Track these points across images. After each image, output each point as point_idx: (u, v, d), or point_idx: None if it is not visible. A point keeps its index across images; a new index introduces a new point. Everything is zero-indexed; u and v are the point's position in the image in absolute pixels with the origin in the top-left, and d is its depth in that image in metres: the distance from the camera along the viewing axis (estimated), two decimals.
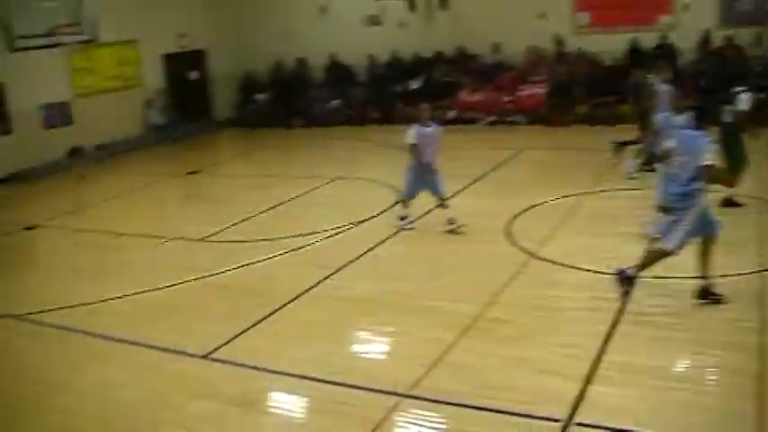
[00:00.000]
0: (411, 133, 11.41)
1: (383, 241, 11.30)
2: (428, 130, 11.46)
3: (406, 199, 11.87)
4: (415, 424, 6.37)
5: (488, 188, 13.73)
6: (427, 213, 12.11)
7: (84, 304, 10.15)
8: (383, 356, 7.98)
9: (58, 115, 21.51)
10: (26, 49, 20.38)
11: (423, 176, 11.49)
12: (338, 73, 23.89)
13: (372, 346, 8.21)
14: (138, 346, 8.58)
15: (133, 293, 10.29)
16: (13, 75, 20.01)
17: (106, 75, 22.89)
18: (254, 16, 25.47)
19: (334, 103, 23.14)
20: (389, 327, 8.39)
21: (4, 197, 18.27)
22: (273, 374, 7.50)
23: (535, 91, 20.06)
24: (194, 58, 25.53)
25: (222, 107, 26.04)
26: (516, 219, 11.69)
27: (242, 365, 7.74)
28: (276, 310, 9.05)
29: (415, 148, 11.38)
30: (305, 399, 7.10)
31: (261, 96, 24.87)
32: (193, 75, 25.76)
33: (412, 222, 11.86)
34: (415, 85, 22.14)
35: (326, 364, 7.55)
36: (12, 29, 20.11)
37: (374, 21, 23.39)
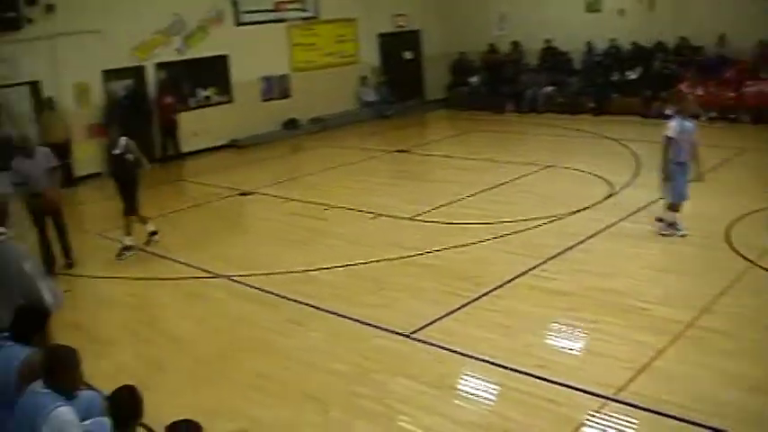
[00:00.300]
0: (671, 126, 10.41)
1: (593, 235, 10.92)
2: (688, 124, 10.48)
3: (676, 202, 10.72)
4: (618, 430, 6.13)
5: (707, 189, 13.01)
6: (640, 210, 11.70)
7: (292, 272, 10.50)
8: (588, 355, 7.62)
9: (276, 88, 22.36)
10: (251, 23, 21.30)
11: (675, 174, 10.48)
12: (553, 59, 23.41)
13: (577, 343, 7.91)
14: (343, 318, 8.76)
15: (340, 265, 10.51)
16: (236, 47, 20.98)
17: (324, 51, 23.58)
18: None
19: (548, 89, 22.70)
20: (595, 324, 8.06)
21: (222, 163, 19.18)
22: (475, 361, 7.43)
23: (763, 88, 18.91)
24: (409, 38, 25.90)
25: (434, 88, 26.23)
26: (736, 223, 11.00)
27: (444, 348, 7.71)
28: (481, 296, 8.97)
29: (672, 143, 10.38)
30: (504, 389, 6.93)
31: (474, 79, 24.78)
32: (408, 54, 26.09)
33: (680, 230, 10.73)
34: (632, 75, 21.41)
35: (529, 356, 7.40)
36: (238, 3, 21.04)
37: (593, 7, 22.70)
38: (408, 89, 25.81)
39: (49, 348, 5.33)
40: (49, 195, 11.14)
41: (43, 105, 17.93)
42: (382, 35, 25.10)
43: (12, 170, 11.00)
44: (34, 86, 18.13)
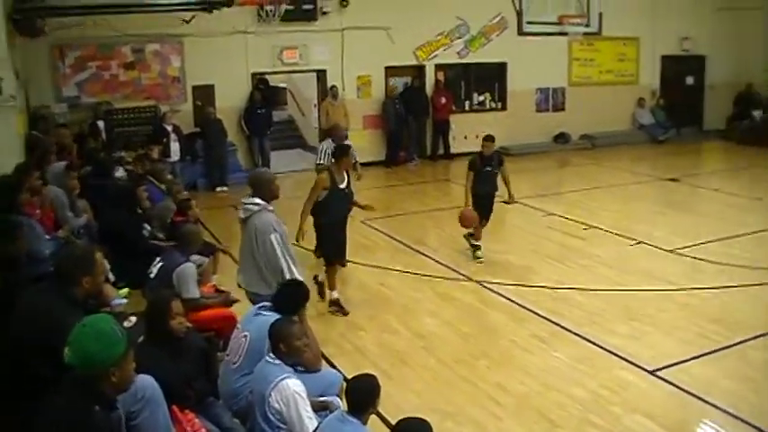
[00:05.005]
0: None
1: None
2: None
3: None
4: None
5: None
6: None
7: (542, 287, 10.52)
8: None
9: (551, 100, 22.36)
10: (533, 34, 21.47)
11: None
12: None
13: None
14: (588, 343, 8.65)
15: (593, 288, 10.40)
16: (516, 56, 21.25)
17: (603, 68, 23.32)
18: (762, 27, 23.82)
19: None
20: None
21: None
22: (718, 411, 7.05)
23: None
24: (693, 64, 24.92)
25: (713, 118, 24.98)
26: None
27: (688, 392, 7.40)
28: (735, 344, 8.48)
29: None
30: None
31: (757, 113, 23.42)
32: (689, 80, 25.11)
33: None
34: None
35: None
36: (523, 13, 21.25)
37: None
38: (686, 116, 24.87)
39: (274, 323, 5.59)
40: None
41: (326, 93, 18.97)
42: (665, 57, 24.32)
43: (320, 152, 11.73)
44: (321, 74, 19.23)
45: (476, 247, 11.80)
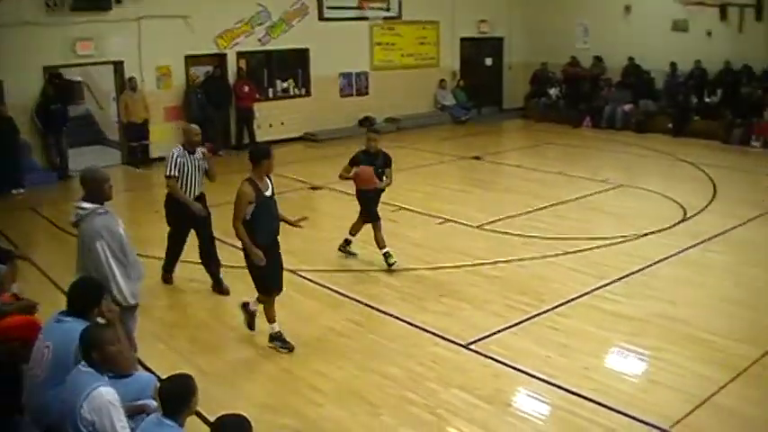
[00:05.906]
0: None
1: (663, 260, 10.67)
2: None
3: None
4: None
5: None
6: (713, 238, 11.47)
7: (355, 271, 10.62)
8: (645, 382, 7.37)
9: (354, 85, 22.54)
10: (334, 19, 21.55)
11: None
12: (635, 77, 22.95)
13: (635, 369, 7.70)
14: (402, 323, 8.76)
15: (403, 269, 10.51)
16: (318, 42, 21.27)
17: (405, 51, 23.71)
18: (555, 9, 25.01)
19: (627, 107, 22.31)
20: (656, 351, 7.86)
21: (296, 155, 19.33)
22: (530, 378, 7.34)
23: None
24: (491, 45, 25.93)
25: (512, 96, 26.19)
26: None
27: (501, 362, 7.65)
28: (543, 313, 8.87)
29: None
30: (559, 411, 6.80)
31: (553, 91, 24.56)
32: (488, 61, 26.02)
33: None
34: (715, 99, 20.92)
35: (585, 379, 7.27)
36: None
37: (680, 26, 22.17)
38: (486, 96, 25.93)
39: (85, 330, 5.26)
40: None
41: (125, 85, 18.31)
42: (464, 39, 25.12)
43: (170, 161, 9.66)
44: (118, 66, 18.52)
45: (348, 242, 11.16)
